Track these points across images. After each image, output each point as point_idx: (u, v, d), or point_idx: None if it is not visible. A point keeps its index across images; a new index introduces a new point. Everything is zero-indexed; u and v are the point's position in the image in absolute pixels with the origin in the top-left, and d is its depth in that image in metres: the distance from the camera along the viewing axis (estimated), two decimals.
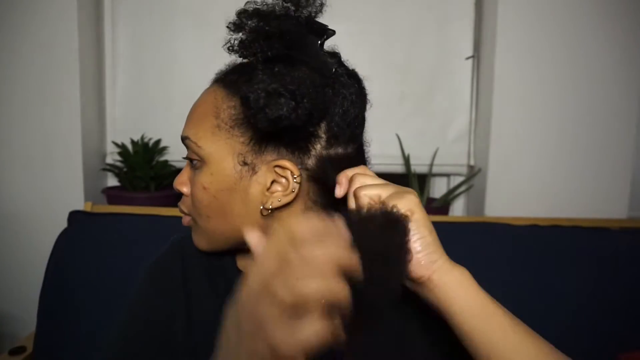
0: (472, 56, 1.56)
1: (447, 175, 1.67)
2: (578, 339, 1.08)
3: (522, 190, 1.45)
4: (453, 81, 1.58)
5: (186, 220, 0.59)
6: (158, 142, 1.55)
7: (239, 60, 0.55)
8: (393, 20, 1.56)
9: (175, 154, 1.55)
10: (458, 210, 1.64)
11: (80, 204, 1.36)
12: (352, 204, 0.49)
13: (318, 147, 0.52)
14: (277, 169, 0.52)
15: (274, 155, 0.52)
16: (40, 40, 1.42)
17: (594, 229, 1.23)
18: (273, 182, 0.52)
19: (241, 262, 0.62)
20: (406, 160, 1.55)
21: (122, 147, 1.51)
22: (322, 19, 0.54)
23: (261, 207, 0.52)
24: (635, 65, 1.40)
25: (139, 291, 0.64)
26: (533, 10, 1.40)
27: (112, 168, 1.53)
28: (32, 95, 1.44)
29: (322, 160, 0.52)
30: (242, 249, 0.59)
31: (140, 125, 1.56)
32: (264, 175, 0.52)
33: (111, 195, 1.49)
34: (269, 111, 0.47)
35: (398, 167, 1.58)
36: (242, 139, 0.52)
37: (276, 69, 0.49)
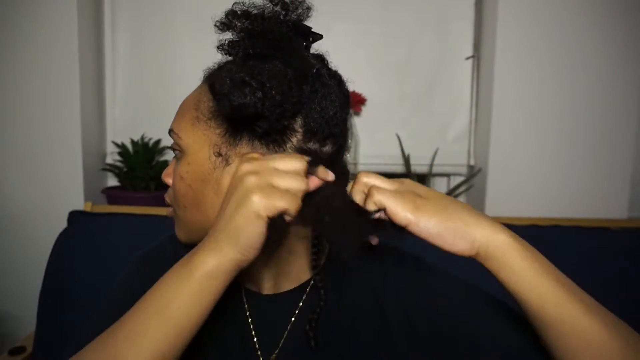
0: (472, 56, 1.56)
1: (447, 175, 1.67)
2: None
3: (522, 190, 1.45)
4: (453, 81, 1.58)
5: (169, 211, 0.61)
6: (158, 142, 1.55)
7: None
8: (393, 20, 1.56)
9: None
10: None
11: (80, 204, 1.36)
12: (356, 190, 0.51)
13: (294, 140, 0.52)
14: None
15: (247, 148, 0.52)
16: (40, 40, 1.42)
17: (594, 229, 1.23)
18: None
19: None
20: (406, 160, 1.55)
21: (122, 147, 1.51)
22: (323, 20, 0.55)
23: None
24: (635, 65, 1.40)
25: (122, 279, 0.66)
26: (533, 10, 1.40)
27: (112, 168, 1.53)
28: (32, 96, 1.44)
29: (298, 153, 0.52)
30: None
31: (140, 125, 1.57)
32: (235, 167, 0.52)
33: (111, 195, 1.49)
34: (232, 98, 0.48)
35: (398, 167, 1.58)
36: (218, 131, 0.53)
37: (250, 62, 0.51)
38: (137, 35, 1.58)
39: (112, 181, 1.61)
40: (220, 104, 0.51)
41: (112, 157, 1.59)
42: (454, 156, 1.60)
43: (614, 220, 1.36)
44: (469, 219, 0.47)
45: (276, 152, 0.52)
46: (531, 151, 1.44)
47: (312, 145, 0.53)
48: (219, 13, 0.54)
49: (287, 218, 0.46)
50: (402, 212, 0.46)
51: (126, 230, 1.16)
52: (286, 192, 0.46)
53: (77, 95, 1.44)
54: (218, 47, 0.55)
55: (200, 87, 0.57)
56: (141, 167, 1.47)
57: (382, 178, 0.51)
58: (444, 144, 1.60)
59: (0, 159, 1.46)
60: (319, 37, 0.56)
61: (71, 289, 1.11)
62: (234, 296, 0.61)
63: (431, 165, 1.58)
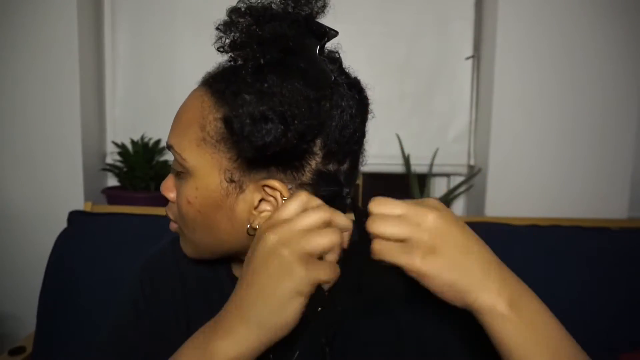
0: (472, 56, 1.56)
1: (447, 175, 1.67)
2: (578, 340, 1.07)
3: (522, 190, 1.45)
4: (453, 81, 1.58)
5: (173, 226, 0.57)
6: (158, 142, 1.55)
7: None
8: (393, 20, 1.56)
9: None
10: (458, 210, 1.64)
11: (80, 204, 1.36)
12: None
13: (313, 163, 0.49)
14: (266, 188, 0.49)
15: (263, 174, 0.48)
16: (40, 40, 1.42)
17: (594, 229, 1.23)
18: (261, 200, 0.50)
19: (237, 272, 0.60)
20: (406, 160, 1.55)
21: (122, 147, 1.51)
22: (322, 20, 0.51)
23: (248, 226, 0.50)
24: (635, 65, 1.40)
25: (126, 296, 0.62)
26: (533, 10, 1.40)
27: (112, 168, 1.52)
28: (32, 96, 1.44)
29: (316, 177, 0.49)
30: (235, 257, 0.58)
31: (140, 125, 1.56)
32: (251, 194, 0.49)
33: (111, 195, 1.49)
34: (254, 139, 0.44)
35: (398, 167, 1.58)
36: (228, 155, 0.48)
37: (266, 85, 0.45)
38: (137, 35, 1.58)
39: (112, 181, 1.61)
40: (240, 146, 0.46)
41: (112, 157, 1.58)
42: (454, 156, 1.60)
43: (614, 220, 1.36)
44: (475, 283, 0.43)
45: (294, 177, 0.48)
46: (531, 151, 1.44)
47: (332, 167, 0.50)
48: (219, 13, 0.50)
49: (326, 286, 0.42)
50: (408, 270, 0.42)
51: (126, 230, 1.16)
52: (325, 260, 0.42)
53: (77, 95, 1.44)
54: (218, 48, 0.49)
55: (200, 97, 0.51)
56: (141, 167, 1.47)
57: (393, 219, 0.42)
58: (444, 144, 1.60)
59: (0, 159, 1.46)
60: (333, 34, 0.49)
61: (71, 289, 1.11)
62: None
63: (431, 165, 1.57)
